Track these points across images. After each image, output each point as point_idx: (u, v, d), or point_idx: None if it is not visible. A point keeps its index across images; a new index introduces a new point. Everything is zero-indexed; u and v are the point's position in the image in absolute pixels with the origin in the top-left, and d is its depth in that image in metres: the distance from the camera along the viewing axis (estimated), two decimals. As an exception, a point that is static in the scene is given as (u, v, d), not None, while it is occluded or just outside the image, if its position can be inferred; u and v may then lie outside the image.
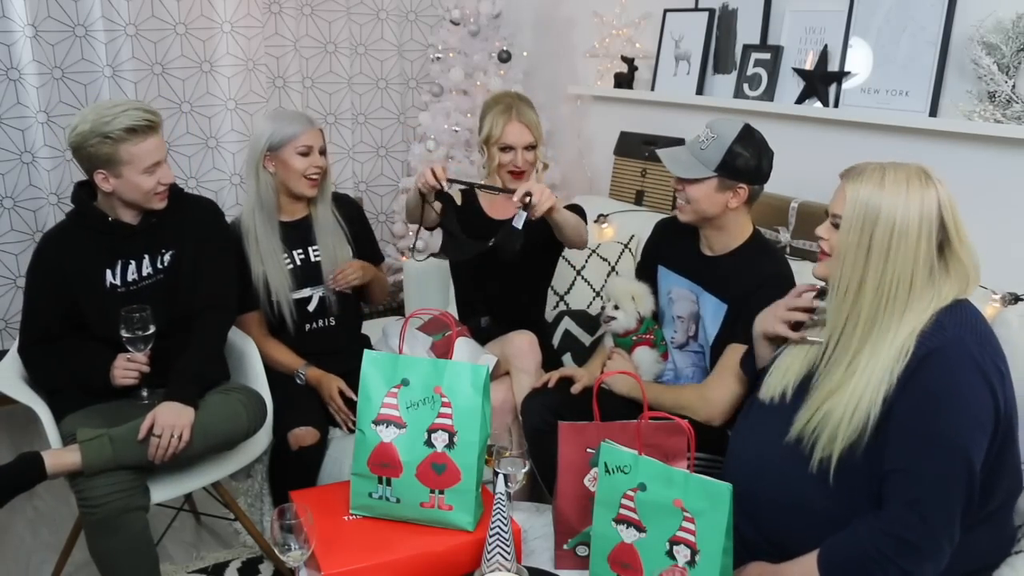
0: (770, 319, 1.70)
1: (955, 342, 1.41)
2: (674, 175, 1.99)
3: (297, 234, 2.37)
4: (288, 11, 3.61)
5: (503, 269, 2.41)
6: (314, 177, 2.30)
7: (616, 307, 2.14)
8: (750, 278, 1.95)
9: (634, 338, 2.14)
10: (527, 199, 2.04)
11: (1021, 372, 1.76)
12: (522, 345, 2.28)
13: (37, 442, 3.06)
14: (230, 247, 2.24)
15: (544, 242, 2.44)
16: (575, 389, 2.10)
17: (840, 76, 2.48)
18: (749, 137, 1.94)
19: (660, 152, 2.04)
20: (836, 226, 1.52)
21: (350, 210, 2.47)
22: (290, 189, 2.31)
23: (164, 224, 2.09)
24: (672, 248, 2.16)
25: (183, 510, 2.62)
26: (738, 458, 1.66)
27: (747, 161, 1.91)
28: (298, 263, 2.36)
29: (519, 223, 2.06)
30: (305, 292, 2.37)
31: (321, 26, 3.73)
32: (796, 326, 1.66)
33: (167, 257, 2.10)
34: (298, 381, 2.32)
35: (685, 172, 1.96)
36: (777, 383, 1.62)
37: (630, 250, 2.81)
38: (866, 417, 1.43)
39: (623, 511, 1.58)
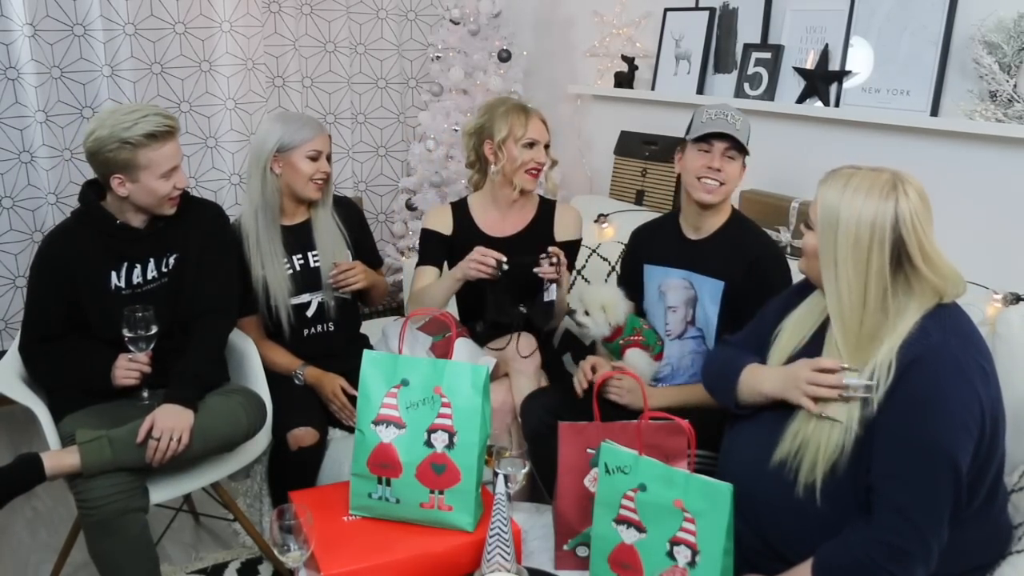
0: (792, 388, 1.53)
1: (939, 348, 1.41)
2: (725, 155, 1.98)
3: (297, 239, 2.36)
4: (287, 10, 3.61)
5: (500, 287, 2.37)
6: (319, 181, 2.29)
7: (586, 313, 2.12)
8: (742, 254, 2.01)
9: (621, 341, 2.13)
10: (555, 264, 2.13)
11: (1022, 372, 1.77)
12: (522, 348, 2.27)
13: (36, 442, 3.06)
14: (233, 251, 2.24)
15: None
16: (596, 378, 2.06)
17: (841, 75, 2.47)
18: None
19: (722, 131, 1.97)
20: (808, 227, 1.55)
21: (350, 213, 2.46)
22: (295, 192, 2.30)
23: (170, 227, 2.09)
24: (653, 245, 2.19)
25: (182, 511, 2.62)
26: (733, 459, 1.66)
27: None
28: (297, 268, 2.35)
29: (552, 296, 2.16)
30: (304, 298, 2.36)
31: (320, 25, 3.73)
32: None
33: (171, 260, 2.10)
34: (296, 382, 2.31)
35: (746, 141, 1.99)
36: (775, 361, 1.63)
37: (630, 250, 2.80)
38: (841, 441, 1.44)
39: (623, 511, 1.58)
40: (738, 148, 1.99)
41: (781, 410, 1.55)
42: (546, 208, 2.46)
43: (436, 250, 2.43)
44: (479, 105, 3.46)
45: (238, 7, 3.40)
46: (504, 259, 2.17)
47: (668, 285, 2.13)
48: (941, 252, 1.45)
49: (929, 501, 1.38)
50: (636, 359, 2.12)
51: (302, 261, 2.35)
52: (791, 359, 1.59)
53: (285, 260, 2.33)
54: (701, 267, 2.07)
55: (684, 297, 2.10)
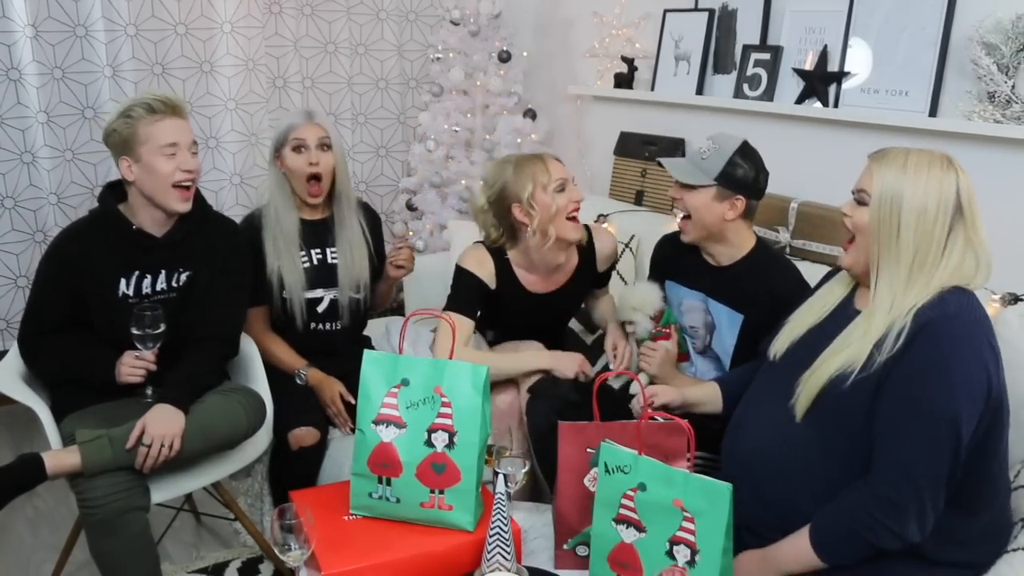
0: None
1: (953, 317, 1.44)
2: (676, 180, 2.01)
3: (316, 234, 2.36)
4: (288, 11, 3.62)
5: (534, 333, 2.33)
6: (313, 176, 2.28)
7: (630, 322, 2.18)
8: (761, 289, 1.98)
9: (652, 331, 2.13)
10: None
11: (1021, 372, 1.77)
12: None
13: (37, 441, 3.06)
14: (246, 280, 2.21)
15: (578, 302, 2.46)
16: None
17: (840, 76, 2.48)
18: (749, 151, 2.00)
19: (664, 160, 2.08)
20: (860, 203, 1.55)
21: (372, 219, 2.49)
22: (297, 191, 2.32)
23: (186, 242, 2.08)
24: (678, 263, 2.17)
25: (183, 510, 2.62)
26: (740, 427, 1.70)
27: (746, 173, 1.96)
28: (315, 263, 2.35)
29: (617, 384, 2.21)
30: (318, 292, 2.36)
31: (321, 26, 3.74)
32: None
33: (183, 277, 2.09)
34: (298, 381, 2.32)
35: (688, 178, 1.99)
36: (784, 340, 1.67)
37: (630, 250, 2.81)
38: (850, 362, 1.48)
39: (623, 511, 1.58)
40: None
41: (794, 363, 1.59)
42: (587, 247, 2.29)
43: (475, 299, 2.21)
44: (479, 105, 3.46)
45: (239, 8, 3.41)
46: (590, 374, 2.16)
47: (688, 305, 2.13)
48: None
49: (928, 460, 1.41)
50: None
51: (320, 256, 2.36)
52: (805, 336, 1.63)
53: (302, 253, 2.33)
54: (720, 296, 2.06)
55: (702, 320, 2.11)
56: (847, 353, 1.50)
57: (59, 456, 1.83)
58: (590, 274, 2.35)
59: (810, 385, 1.53)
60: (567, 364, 2.15)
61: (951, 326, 1.44)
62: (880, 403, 1.45)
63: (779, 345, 1.68)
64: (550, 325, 2.41)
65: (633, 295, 2.18)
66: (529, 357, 2.19)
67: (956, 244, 1.50)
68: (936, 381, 1.41)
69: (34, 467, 1.80)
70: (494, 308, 2.26)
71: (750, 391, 1.75)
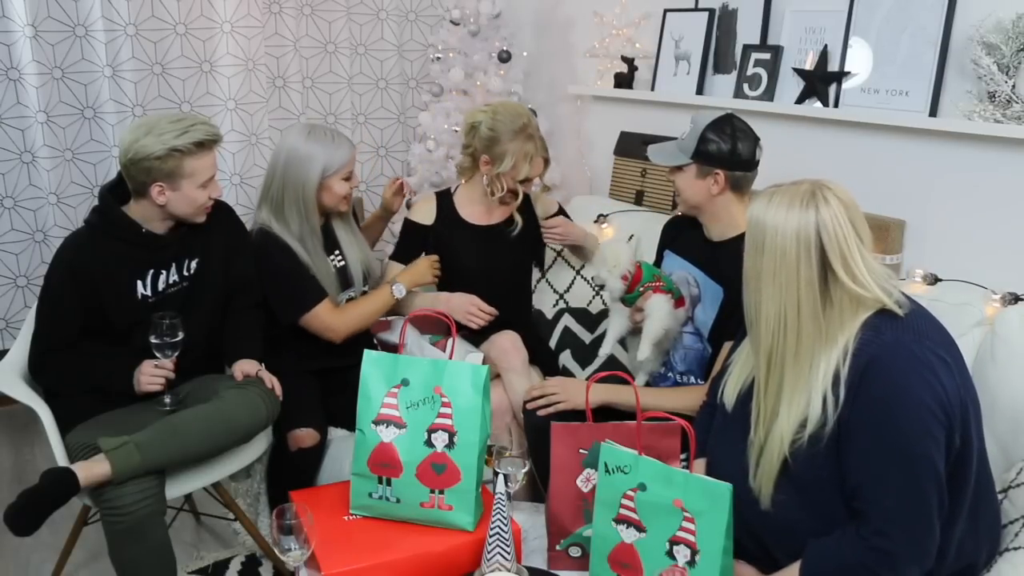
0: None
1: (894, 344, 1.40)
2: (658, 165, 2.08)
3: (326, 240, 2.40)
4: (288, 11, 3.61)
5: (483, 287, 2.44)
6: (348, 196, 2.35)
7: (603, 283, 2.18)
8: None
9: (641, 288, 2.11)
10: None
11: (1021, 372, 1.77)
12: (504, 345, 2.29)
13: (37, 442, 3.07)
14: (252, 247, 2.28)
15: (522, 255, 2.58)
16: (553, 409, 2.05)
17: (840, 76, 2.47)
18: (724, 123, 1.99)
19: (650, 146, 2.12)
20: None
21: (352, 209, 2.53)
22: (324, 207, 2.33)
23: (191, 232, 2.12)
24: (680, 236, 2.22)
25: (183, 510, 2.62)
26: (716, 474, 1.66)
27: (719, 146, 1.97)
28: (337, 266, 2.40)
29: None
30: (344, 296, 2.40)
31: (321, 26, 3.73)
32: None
33: (193, 265, 2.13)
34: (397, 295, 2.37)
35: (663, 160, 2.05)
36: (732, 391, 1.64)
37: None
38: (780, 444, 1.46)
39: (623, 511, 1.59)
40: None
41: (743, 413, 1.57)
42: (524, 198, 2.52)
43: (412, 243, 2.53)
44: (479, 105, 3.45)
45: (239, 8, 3.41)
46: (496, 313, 2.33)
47: (678, 276, 2.14)
48: (864, 263, 1.43)
49: (914, 504, 1.38)
50: (659, 305, 2.08)
51: (333, 262, 2.39)
52: (751, 388, 1.58)
53: (330, 258, 2.38)
54: (708, 268, 2.08)
55: (688, 292, 2.12)
56: (787, 428, 1.46)
57: (89, 467, 1.81)
58: (530, 219, 2.54)
59: (766, 475, 1.49)
60: (457, 305, 2.35)
61: (895, 355, 1.39)
62: (850, 452, 1.41)
63: (728, 393, 1.64)
64: (497, 278, 2.49)
65: (605, 251, 2.19)
66: (427, 298, 2.43)
67: (832, 296, 1.42)
68: (898, 423, 1.36)
69: (66, 480, 1.78)
70: (436, 246, 2.50)
71: (711, 446, 1.70)
